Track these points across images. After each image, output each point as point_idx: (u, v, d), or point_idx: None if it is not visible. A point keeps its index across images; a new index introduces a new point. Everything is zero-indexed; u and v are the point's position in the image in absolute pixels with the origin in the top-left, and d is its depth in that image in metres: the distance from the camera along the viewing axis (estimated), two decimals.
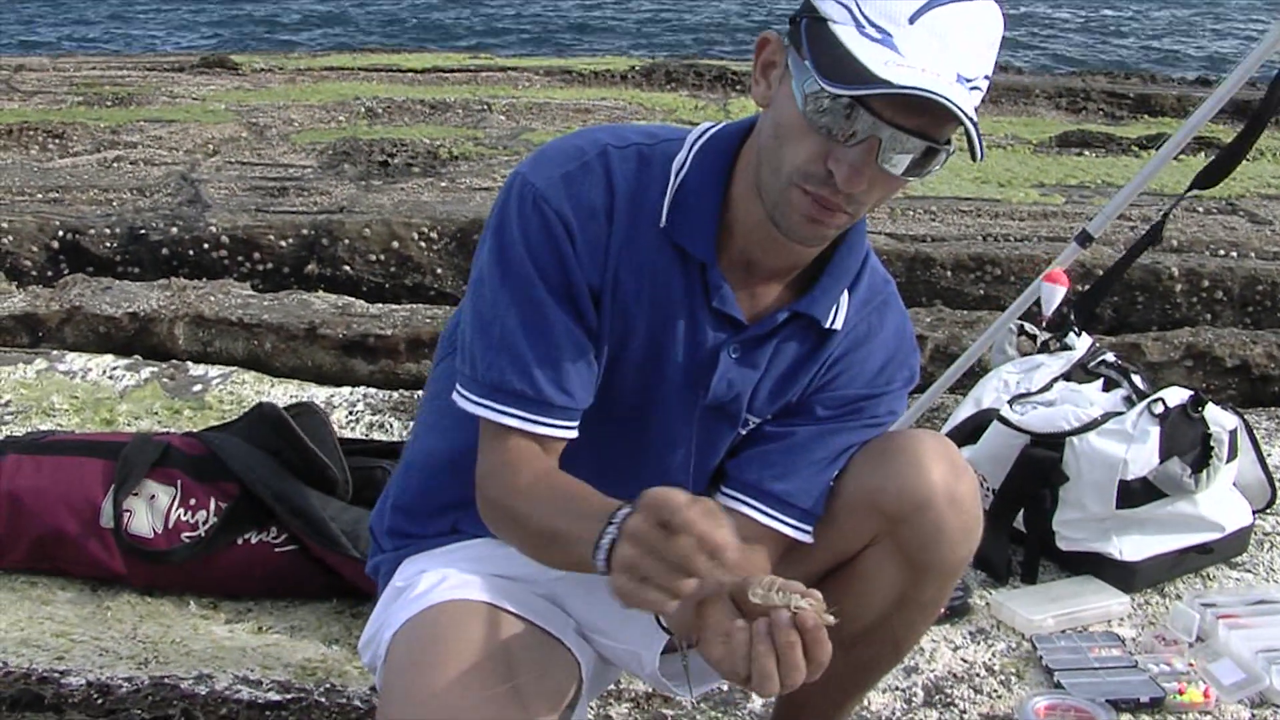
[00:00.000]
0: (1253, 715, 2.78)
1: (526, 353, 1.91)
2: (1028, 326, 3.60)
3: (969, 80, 1.72)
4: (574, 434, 1.96)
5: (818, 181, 1.77)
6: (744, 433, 2.08)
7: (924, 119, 1.71)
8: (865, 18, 1.71)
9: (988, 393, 3.49)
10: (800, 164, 1.77)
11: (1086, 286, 4.18)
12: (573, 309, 1.92)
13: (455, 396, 1.97)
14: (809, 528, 2.06)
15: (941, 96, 1.66)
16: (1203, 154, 6.64)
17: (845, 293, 2.03)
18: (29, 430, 3.81)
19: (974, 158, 1.74)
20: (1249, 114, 3.20)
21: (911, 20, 1.70)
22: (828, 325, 2.01)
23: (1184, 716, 2.76)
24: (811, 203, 1.79)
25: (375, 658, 2.11)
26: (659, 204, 1.93)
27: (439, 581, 2.07)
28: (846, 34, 1.71)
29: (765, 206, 1.85)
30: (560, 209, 1.89)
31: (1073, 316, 3.49)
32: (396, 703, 1.92)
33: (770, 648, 1.62)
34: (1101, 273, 4.62)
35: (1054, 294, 3.28)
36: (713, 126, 1.99)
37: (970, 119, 1.69)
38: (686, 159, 1.94)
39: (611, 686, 2.67)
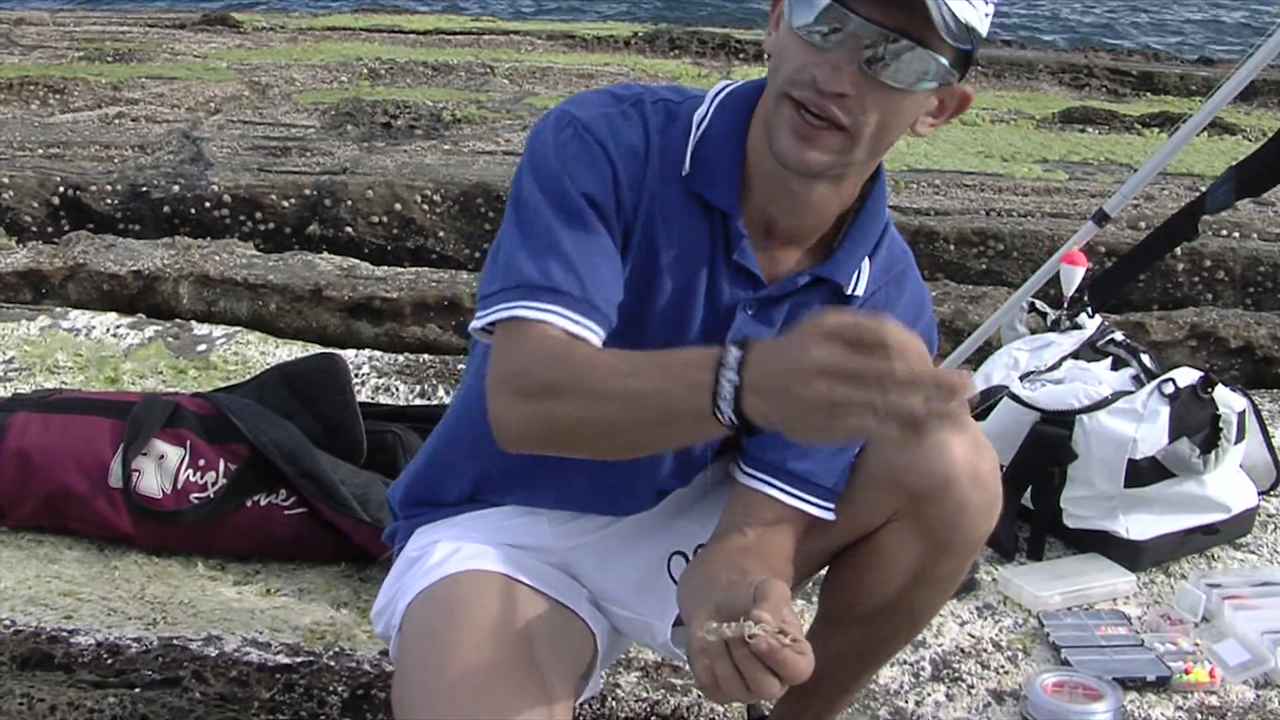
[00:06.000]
0: (1258, 696, 2.79)
1: (571, 253, 1.83)
2: (1039, 304, 3.59)
3: None
4: (600, 345, 1.84)
5: (804, 87, 1.77)
6: None
7: (902, 14, 1.71)
8: None
9: (997, 369, 3.49)
10: (789, 74, 1.78)
11: (1096, 266, 4.18)
12: (607, 229, 1.89)
13: (476, 322, 1.87)
14: (831, 505, 2.05)
15: None
16: (1205, 134, 6.63)
17: (866, 259, 2.02)
18: (34, 387, 3.80)
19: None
20: None
21: None
22: (849, 291, 2.00)
23: (1190, 696, 2.77)
24: (799, 115, 1.78)
25: (389, 627, 2.11)
26: (682, 155, 1.93)
27: (453, 552, 2.07)
28: None
29: (768, 140, 1.85)
30: (602, 139, 1.89)
31: (1086, 298, 3.48)
32: (413, 672, 1.92)
33: (732, 669, 1.57)
34: (1113, 259, 4.63)
35: (1074, 275, 3.28)
36: (732, 84, 2.00)
37: None
38: (708, 113, 1.95)
39: (620, 656, 2.68)
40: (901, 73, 1.75)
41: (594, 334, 1.82)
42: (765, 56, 1.93)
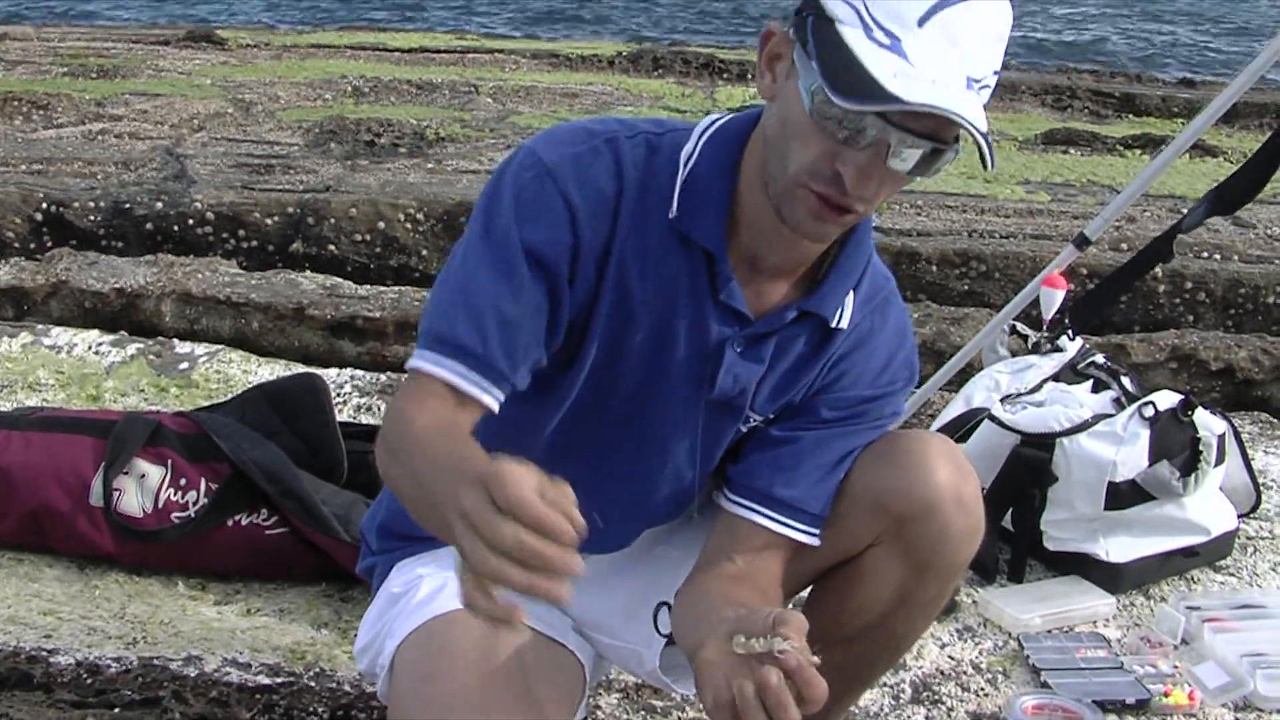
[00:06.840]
0: (1236, 719, 2.80)
1: (486, 310, 1.81)
2: (1020, 326, 3.60)
3: (978, 81, 1.71)
4: (494, 408, 1.83)
5: (825, 181, 1.74)
6: (744, 429, 2.08)
7: (934, 123, 1.69)
8: (873, 19, 1.68)
9: (978, 391, 3.49)
10: (808, 163, 1.74)
11: (1077, 289, 4.20)
12: (546, 285, 1.85)
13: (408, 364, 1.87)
14: (817, 531, 2.06)
15: (953, 113, 1.64)
16: (1187, 156, 6.65)
17: (850, 291, 2.02)
18: (15, 405, 3.79)
19: (984, 166, 1.72)
20: (1271, 142, 3.17)
21: (920, 23, 1.67)
22: (835, 324, 2.00)
23: (1169, 718, 2.78)
24: (819, 202, 1.76)
25: (376, 665, 2.10)
26: (668, 194, 1.90)
27: (439, 588, 2.04)
28: (854, 38, 1.68)
29: (770, 200, 1.83)
30: (565, 187, 1.85)
31: (1067, 320, 3.49)
32: (411, 717, 1.91)
33: (754, 689, 1.58)
34: (1095, 282, 4.64)
35: (1054, 298, 3.30)
36: (720, 118, 1.96)
37: (982, 133, 1.67)
38: (695, 150, 1.91)
39: (600, 679, 2.67)
40: (924, 167, 1.74)
41: (486, 394, 1.81)
42: (748, 76, 1.91)
